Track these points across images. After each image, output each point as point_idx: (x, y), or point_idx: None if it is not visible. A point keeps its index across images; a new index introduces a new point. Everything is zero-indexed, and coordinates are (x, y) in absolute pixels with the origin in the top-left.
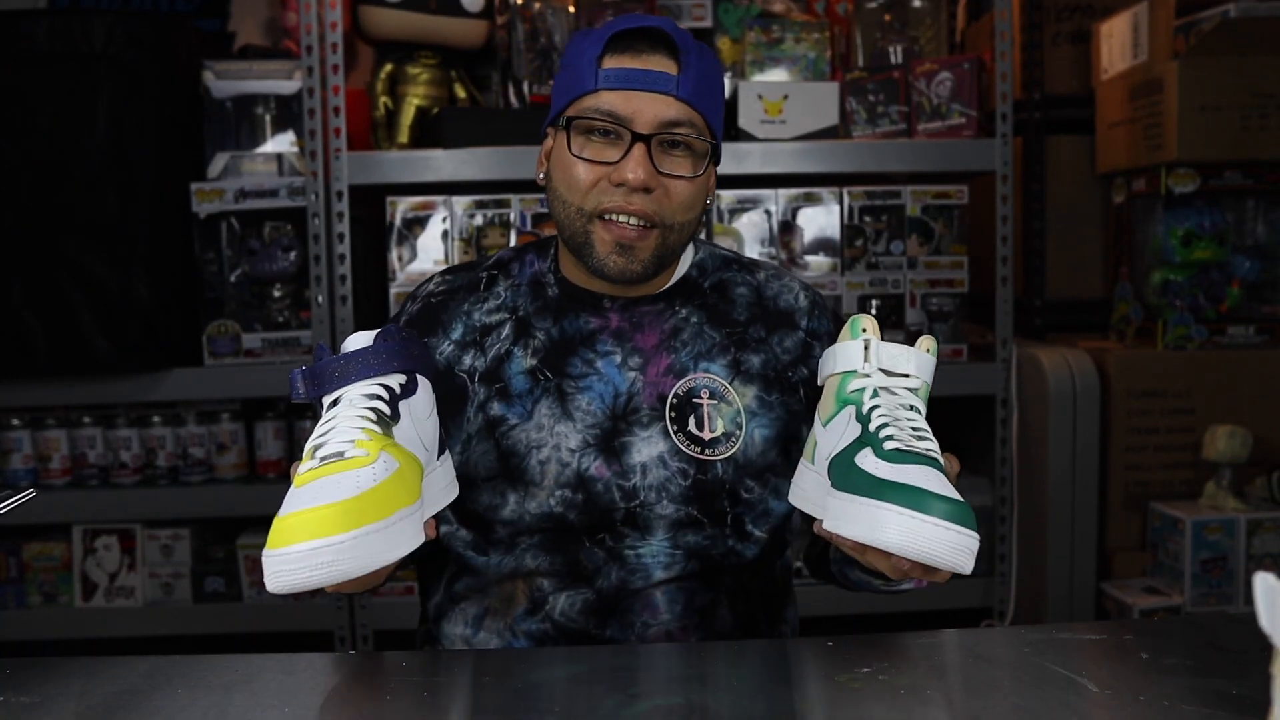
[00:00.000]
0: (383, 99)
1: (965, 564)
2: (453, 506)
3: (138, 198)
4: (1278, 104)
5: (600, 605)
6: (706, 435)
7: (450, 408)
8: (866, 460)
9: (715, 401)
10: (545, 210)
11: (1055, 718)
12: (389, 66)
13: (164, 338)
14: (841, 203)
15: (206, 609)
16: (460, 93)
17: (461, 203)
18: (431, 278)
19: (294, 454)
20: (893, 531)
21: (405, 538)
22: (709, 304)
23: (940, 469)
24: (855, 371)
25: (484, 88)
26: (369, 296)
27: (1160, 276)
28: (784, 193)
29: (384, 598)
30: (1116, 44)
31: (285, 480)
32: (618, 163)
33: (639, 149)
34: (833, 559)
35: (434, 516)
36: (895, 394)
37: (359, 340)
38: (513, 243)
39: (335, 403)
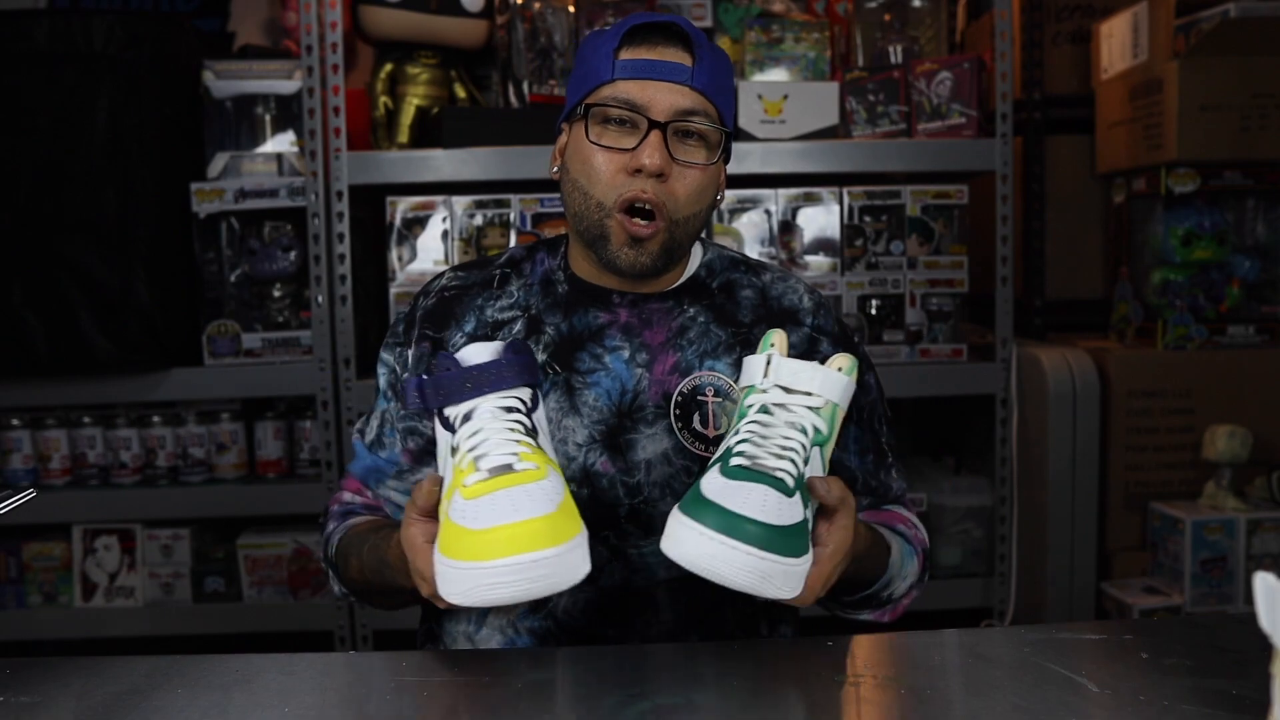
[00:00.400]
0: (383, 99)
1: (762, 589)
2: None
3: (138, 198)
4: (1278, 104)
5: (603, 604)
6: (711, 433)
7: None
8: (708, 477)
9: (720, 400)
10: (545, 210)
11: (1055, 718)
12: (389, 66)
13: (164, 338)
14: (841, 203)
15: (206, 609)
16: (460, 93)
17: (461, 203)
18: (444, 273)
19: (293, 454)
20: (694, 552)
21: (586, 552)
22: (716, 304)
23: (782, 489)
24: (754, 387)
25: (484, 88)
26: (369, 296)
27: (1160, 276)
28: (784, 192)
29: None
30: (1116, 44)
31: (285, 480)
32: (634, 149)
33: (655, 135)
34: None
35: None
36: (791, 411)
37: (480, 352)
38: (512, 243)
39: (467, 415)
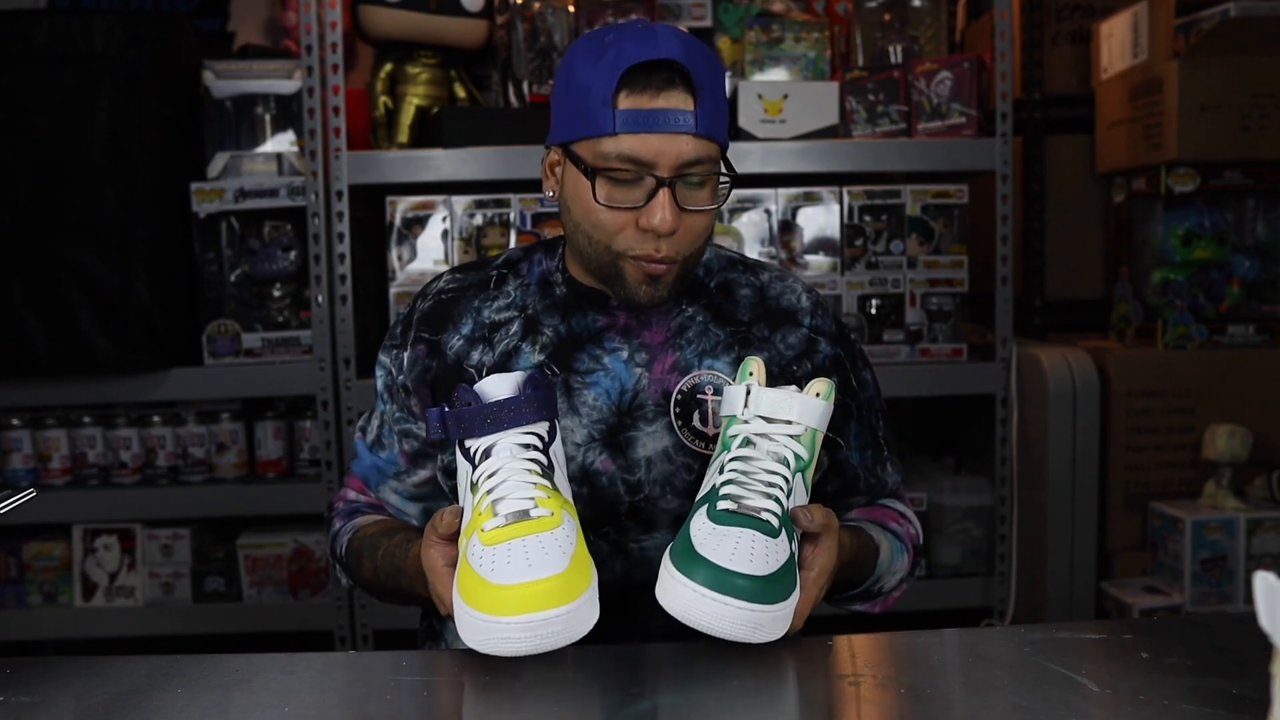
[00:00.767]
0: (382, 99)
1: (753, 637)
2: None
3: (138, 198)
4: (1278, 104)
5: (604, 599)
6: (711, 430)
7: None
8: (696, 522)
9: (719, 398)
10: (545, 210)
11: (1055, 717)
12: (389, 66)
13: (164, 338)
14: (841, 202)
15: (206, 609)
16: (460, 92)
17: (461, 202)
18: (441, 275)
19: (293, 454)
20: (679, 604)
21: (597, 597)
22: (714, 303)
23: (766, 530)
24: (735, 417)
25: (484, 87)
26: (369, 296)
27: (1160, 276)
28: (784, 192)
29: None
30: (1116, 43)
31: (285, 480)
32: (643, 208)
33: (664, 194)
34: None
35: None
36: (773, 440)
37: (500, 384)
38: (513, 242)
39: (487, 451)
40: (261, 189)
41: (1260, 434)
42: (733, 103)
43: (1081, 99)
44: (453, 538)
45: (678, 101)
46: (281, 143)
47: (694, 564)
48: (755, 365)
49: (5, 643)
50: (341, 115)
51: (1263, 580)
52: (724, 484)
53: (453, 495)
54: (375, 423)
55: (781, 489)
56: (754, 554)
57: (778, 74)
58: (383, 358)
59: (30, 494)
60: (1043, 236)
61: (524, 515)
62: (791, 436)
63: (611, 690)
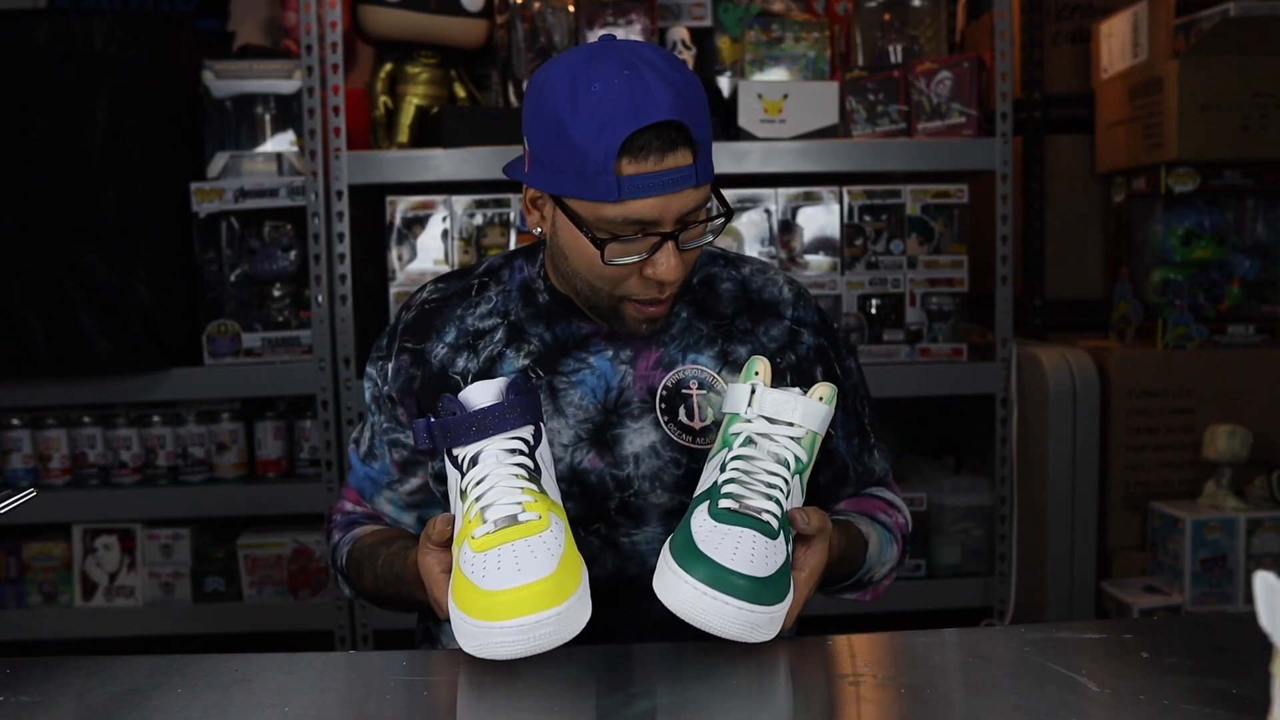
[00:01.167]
0: (382, 98)
1: (749, 636)
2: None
3: (138, 198)
4: (1278, 104)
5: (596, 594)
6: (697, 424)
7: None
8: (697, 518)
9: (704, 392)
10: None
11: (1055, 717)
12: (389, 66)
13: (164, 338)
14: (841, 202)
15: (206, 609)
16: (460, 92)
17: (461, 202)
18: (424, 286)
19: (293, 454)
20: (681, 601)
21: (589, 595)
22: (697, 298)
23: (766, 531)
24: (739, 415)
25: (484, 87)
26: (369, 296)
27: (1160, 276)
28: (784, 192)
29: None
30: (1116, 43)
31: (285, 480)
32: (648, 259)
33: (669, 246)
34: None
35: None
36: (774, 441)
37: (483, 391)
38: (513, 242)
39: (474, 459)
40: (261, 189)
41: (1260, 434)
42: (732, 102)
43: (1081, 99)
44: (447, 544)
45: (680, 160)
46: (281, 143)
47: (695, 561)
48: (761, 365)
49: (5, 643)
50: (341, 115)
51: (1263, 580)
52: (726, 482)
53: (445, 502)
54: (367, 434)
55: (782, 490)
56: (754, 555)
57: (778, 74)
58: (369, 370)
59: (30, 494)
60: (1043, 236)
61: (512, 520)
62: (793, 439)
63: (611, 690)
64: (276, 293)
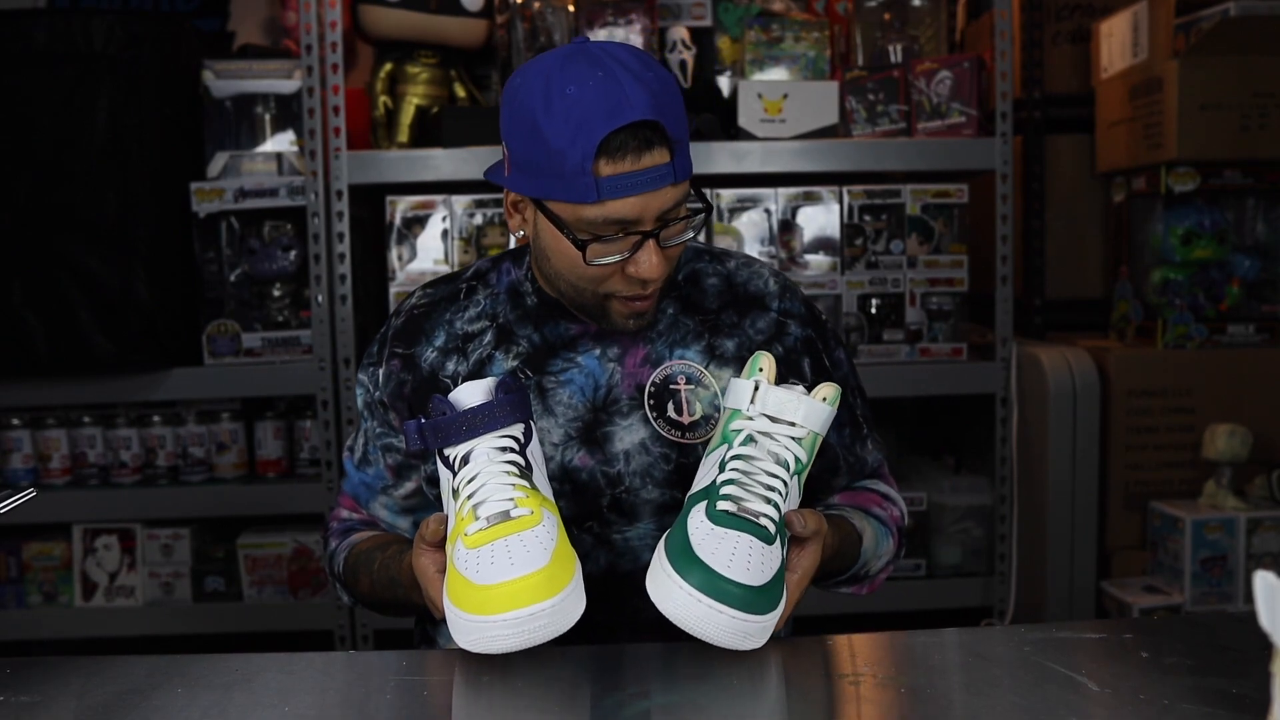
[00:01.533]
0: (382, 98)
1: (745, 646)
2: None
3: (138, 198)
4: (1278, 103)
5: (590, 591)
6: (686, 419)
7: None
8: (694, 519)
9: (692, 386)
10: None
11: (1055, 716)
12: (389, 66)
13: (164, 338)
14: (841, 202)
15: (206, 609)
16: (460, 92)
17: (461, 202)
18: (414, 293)
19: (293, 454)
20: (676, 608)
21: (583, 589)
22: (683, 294)
23: (763, 536)
24: (740, 411)
25: (484, 87)
26: (369, 296)
27: (1160, 275)
28: (784, 192)
29: None
30: (1116, 43)
31: (285, 480)
32: (630, 258)
33: (650, 244)
34: None
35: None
36: (775, 440)
37: (473, 391)
38: (512, 242)
39: (465, 458)
40: (261, 189)
41: (1260, 434)
42: (732, 102)
43: (1081, 98)
44: (440, 544)
45: (657, 158)
46: (281, 142)
47: (690, 565)
48: (766, 361)
49: (5, 643)
50: (341, 115)
51: (1263, 580)
52: (725, 482)
53: (439, 504)
54: (360, 440)
55: (780, 493)
56: (750, 562)
57: (778, 73)
58: (361, 376)
59: (30, 494)
60: (1043, 236)
61: (504, 516)
62: (794, 439)
63: (611, 690)
64: (276, 293)
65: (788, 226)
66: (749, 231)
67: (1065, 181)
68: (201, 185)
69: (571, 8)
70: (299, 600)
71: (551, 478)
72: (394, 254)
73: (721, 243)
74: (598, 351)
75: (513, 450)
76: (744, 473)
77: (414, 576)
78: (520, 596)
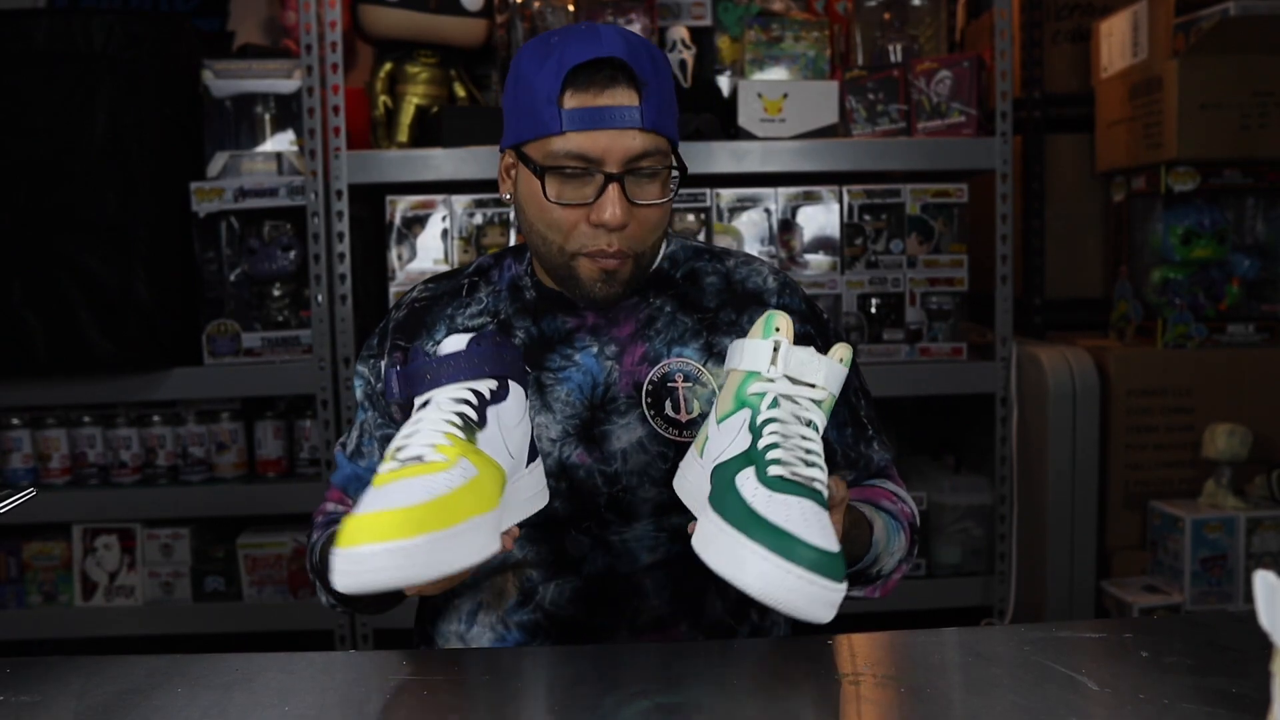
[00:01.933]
0: (382, 98)
1: (824, 616)
2: None
3: (138, 197)
4: (1278, 102)
5: (589, 593)
6: (684, 417)
7: None
8: (746, 483)
9: (690, 384)
10: None
11: (1055, 716)
12: (388, 65)
13: (164, 337)
14: (841, 201)
15: (206, 608)
16: (460, 92)
17: (461, 201)
18: (415, 287)
19: (293, 454)
20: (752, 576)
21: (476, 546)
22: (681, 292)
23: (821, 502)
24: (759, 374)
25: (484, 87)
26: (369, 296)
27: (1160, 275)
28: (783, 191)
29: None
30: (1116, 42)
31: (285, 479)
32: (594, 203)
33: (613, 189)
34: None
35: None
36: (797, 403)
37: (456, 343)
38: (511, 241)
39: (425, 405)
40: (261, 188)
41: (1260, 433)
42: (732, 102)
43: (1081, 98)
44: None
45: (622, 98)
46: (281, 142)
47: (767, 532)
48: (783, 321)
49: (5, 643)
50: (341, 115)
51: (1263, 579)
52: (768, 447)
53: None
54: (355, 433)
55: (820, 457)
56: (820, 526)
57: (777, 73)
58: (360, 368)
59: (30, 494)
60: (1042, 236)
61: (417, 460)
62: (814, 401)
63: (611, 690)
64: (276, 292)
65: (788, 226)
66: (749, 231)
67: (1065, 181)
68: (201, 185)
69: (571, 7)
70: (299, 600)
71: (549, 473)
72: (394, 254)
73: (721, 242)
74: (595, 349)
75: (469, 404)
76: (783, 436)
77: None
78: (371, 532)
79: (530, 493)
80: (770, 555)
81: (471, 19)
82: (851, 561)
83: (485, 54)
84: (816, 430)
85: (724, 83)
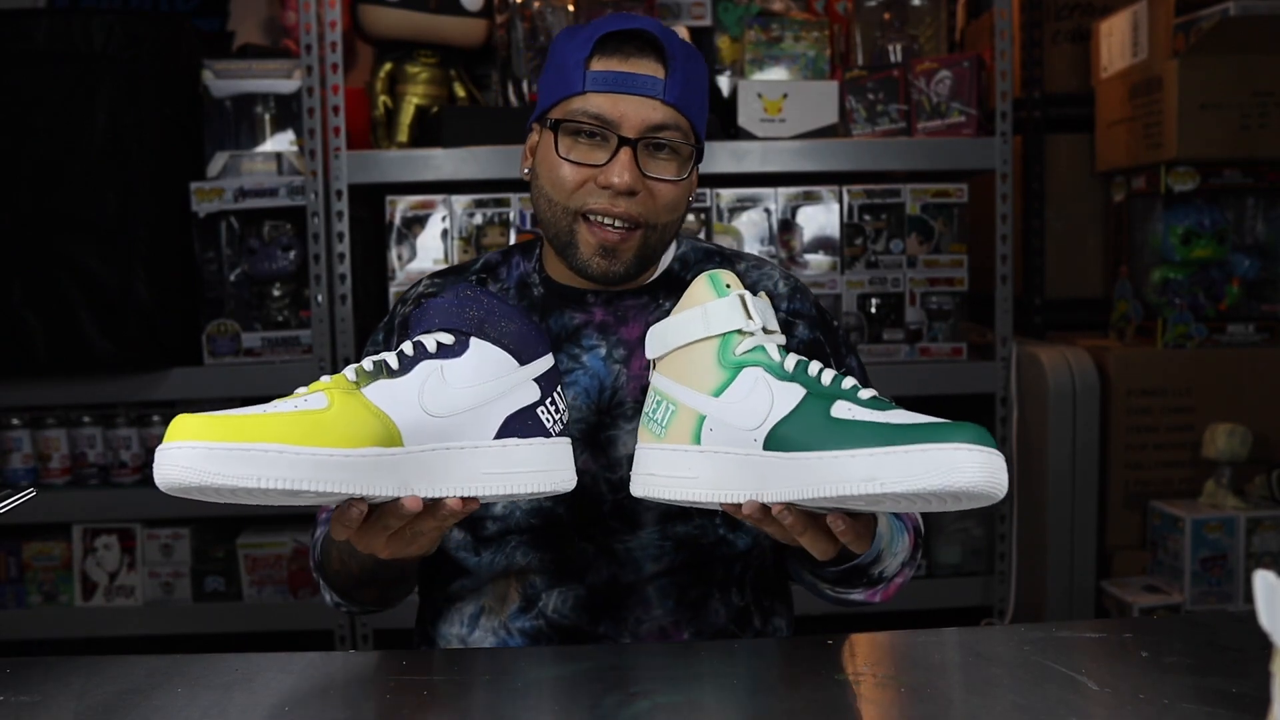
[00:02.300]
0: (382, 98)
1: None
2: None
3: (138, 198)
4: (1277, 102)
5: (592, 601)
6: None
7: None
8: (858, 412)
9: None
10: None
11: (1055, 716)
12: (388, 65)
13: (164, 337)
14: (841, 201)
15: (206, 608)
16: (460, 92)
17: (461, 202)
18: (422, 280)
19: None
20: (970, 469)
21: (276, 472)
22: None
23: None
24: (740, 331)
25: (483, 87)
26: (369, 296)
27: (1160, 275)
28: (783, 191)
29: None
30: (1116, 42)
31: None
32: (604, 165)
33: (625, 153)
34: (788, 557)
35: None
36: (781, 348)
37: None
38: (512, 241)
39: None
40: (261, 188)
41: (1260, 433)
42: (732, 101)
43: (1081, 98)
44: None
45: (648, 68)
46: (281, 142)
47: (943, 430)
48: (731, 277)
49: (5, 643)
50: (341, 115)
51: (1263, 579)
52: (836, 379)
53: None
54: None
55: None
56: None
57: (777, 73)
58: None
59: (30, 494)
60: (1042, 236)
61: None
62: (780, 347)
63: (611, 690)
64: (276, 292)
65: (788, 226)
66: (749, 231)
67: (1065, 181)
68: (201, 185)
69: (571, 7)
70: (299, 600)
71: None
72: (394, 254)
73: (721, 242)
74: (603, 351)
75: (402, 353)
76: (822, 369)
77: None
78: (174, 431)
79: (499, 469)
80: (965, 445)
81: (471, 19)
82: (853, 558)
83: (485, 54)
84: None
85: (724, 83)
